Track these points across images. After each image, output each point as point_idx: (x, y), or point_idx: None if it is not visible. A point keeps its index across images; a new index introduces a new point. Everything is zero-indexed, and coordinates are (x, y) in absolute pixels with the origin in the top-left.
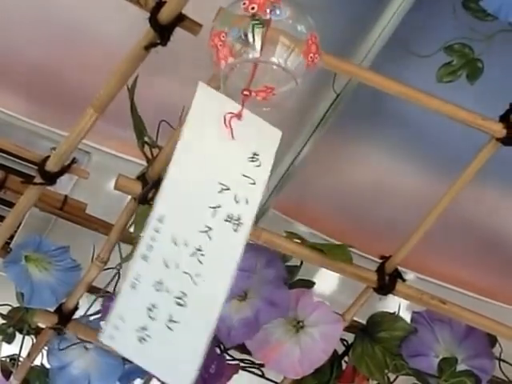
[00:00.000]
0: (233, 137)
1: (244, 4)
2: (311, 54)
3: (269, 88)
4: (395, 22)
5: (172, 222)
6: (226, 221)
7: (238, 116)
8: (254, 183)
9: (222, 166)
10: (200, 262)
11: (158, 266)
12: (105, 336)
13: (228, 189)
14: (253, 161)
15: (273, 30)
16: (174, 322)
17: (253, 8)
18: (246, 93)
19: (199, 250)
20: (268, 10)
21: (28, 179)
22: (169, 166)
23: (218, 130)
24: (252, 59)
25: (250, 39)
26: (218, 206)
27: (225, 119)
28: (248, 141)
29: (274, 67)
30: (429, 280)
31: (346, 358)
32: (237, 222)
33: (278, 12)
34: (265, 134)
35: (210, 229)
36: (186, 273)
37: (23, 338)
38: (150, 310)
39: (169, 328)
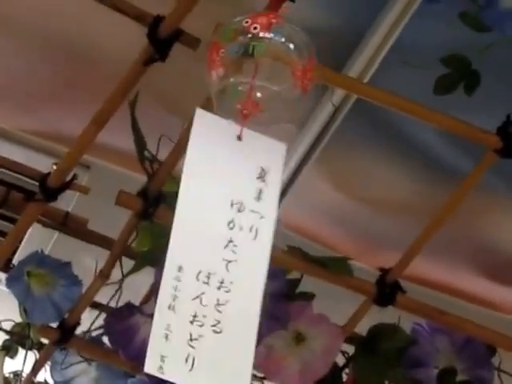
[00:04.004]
0: (237, 153)
1: (247, 23)
2: (306, 81)
3: (255, 104)
4: (393, 36)
5: (191, 262)
6: (243, 231)
7: (239, 137)
8: (264, 199)
9: (230, 182)
10: (229, 282)
11: (188, 307)
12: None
13: (240, 202)
14: (260, 177)
15: (272, 51)
16: (214, 348)
17: (255, 28)
18: (245, 112)
19: (226, 268)
20: (273, 32)
21: (29, 196)
22: (177, 206)
23: (220, 151)
24: (246, 80)
25: (249, 59)
26: (232, 220)
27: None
28: (253, 157)
29: (268, 89)
30: (429, 292)
31: (346, 370)
32: (255, 233)
33: (279, 33)
34: (269, 149)
35: (230, 241)
36: (217, 301)
37: (26, 353)
38: (190, 340)
39: (212, 354)
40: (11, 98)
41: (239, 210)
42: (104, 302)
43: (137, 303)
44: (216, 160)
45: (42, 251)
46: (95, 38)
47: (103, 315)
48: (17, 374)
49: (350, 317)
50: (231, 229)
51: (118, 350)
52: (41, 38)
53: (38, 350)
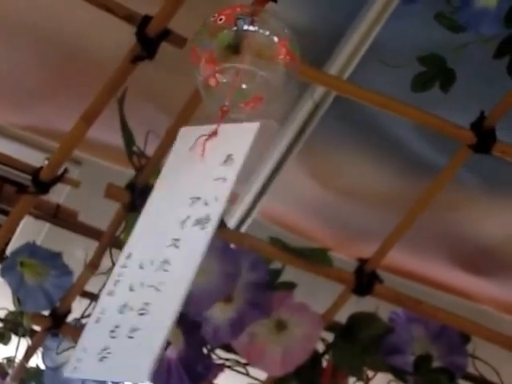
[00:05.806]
0: (203, 155)
1: (213, 17)
2: (281, 56)
3: (258, 97)
4: (371, 35)
5: (139, 253)
6: (195, 226)
7: (214, 134)
8: (224, 180)
9: (194, 183)
10: (166, 271)
11: (123, 293)
12: (68, 370)
13: (199, 198)
14: (225, 163)
15: (242, 39)
16: (135, 330)
17: (221, 19)
18: (224, 108)
19: (166, 261)
20: (237, 21)
21: (22, 189)
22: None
23: (191, 156)
24: (222, 68)
25: (220, 50)
26: (188, 217)
27: (199, 142)
28: (221, 149)
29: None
30: (406, 282)
31: (326, 356)
32: (205, 221)
33: (247, 22)
34: (240, 134)
35: (177, 240)
36: (150, 286)
37: (19, 340)
38: (112, 331)
39: (130, 337)
40: (4, 94)
41: (196, 205)
42: (93, 291)
43: None
44: (184, 166)
45: (34, 242)
46: (86, 36)
47: (93, 304)
48: (10, 360)
49: (329, 306)
50: (182, 228)
51: None
52: (33, 36)
53: (31, 337)
